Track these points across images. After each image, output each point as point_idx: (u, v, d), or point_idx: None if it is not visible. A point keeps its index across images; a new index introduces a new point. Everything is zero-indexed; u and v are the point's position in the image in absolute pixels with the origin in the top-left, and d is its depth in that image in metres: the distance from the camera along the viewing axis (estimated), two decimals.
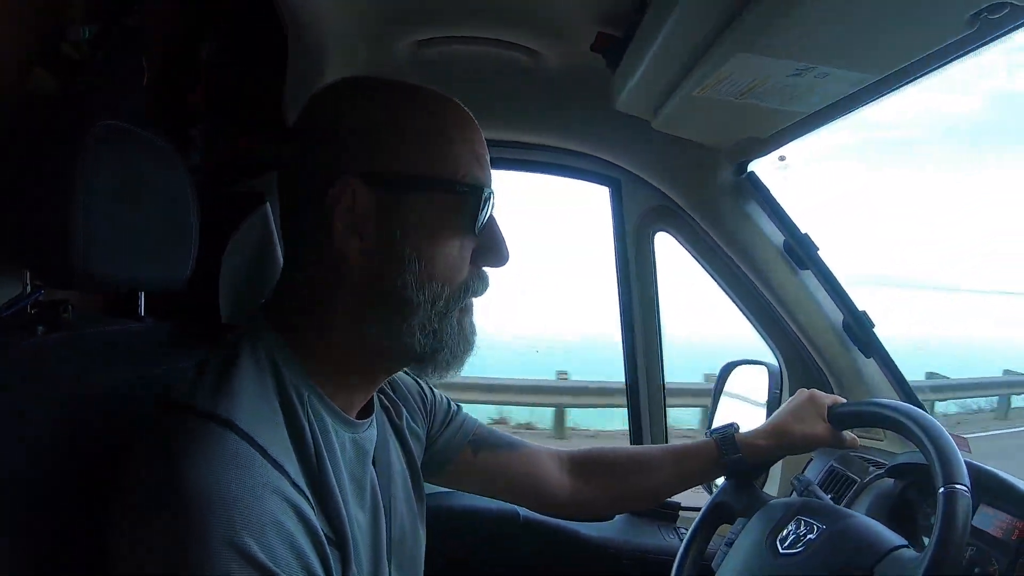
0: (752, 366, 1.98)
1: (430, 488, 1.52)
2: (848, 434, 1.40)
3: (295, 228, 0.94)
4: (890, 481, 1.48)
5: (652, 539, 1.96)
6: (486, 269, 0.96)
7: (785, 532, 1.23)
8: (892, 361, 1.87)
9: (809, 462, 1.78)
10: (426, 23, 1.51)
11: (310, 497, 0.79)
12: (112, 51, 1.27)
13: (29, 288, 1.09)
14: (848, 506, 1.52)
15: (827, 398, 1.41)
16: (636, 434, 2.15)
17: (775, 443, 1.39)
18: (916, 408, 1.26)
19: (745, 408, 1.95)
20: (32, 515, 0.85)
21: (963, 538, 1.02)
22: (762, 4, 1.01)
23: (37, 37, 1.18)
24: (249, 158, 1.66)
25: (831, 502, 1.41)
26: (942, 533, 1.02)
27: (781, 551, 1.20)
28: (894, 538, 1.14)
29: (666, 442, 2.14)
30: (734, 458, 1.38)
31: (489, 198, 0.92)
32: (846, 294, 1.88)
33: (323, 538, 0.78)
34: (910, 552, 1.10)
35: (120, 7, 1.31)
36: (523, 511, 1.88)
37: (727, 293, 2.01)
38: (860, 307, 1.88)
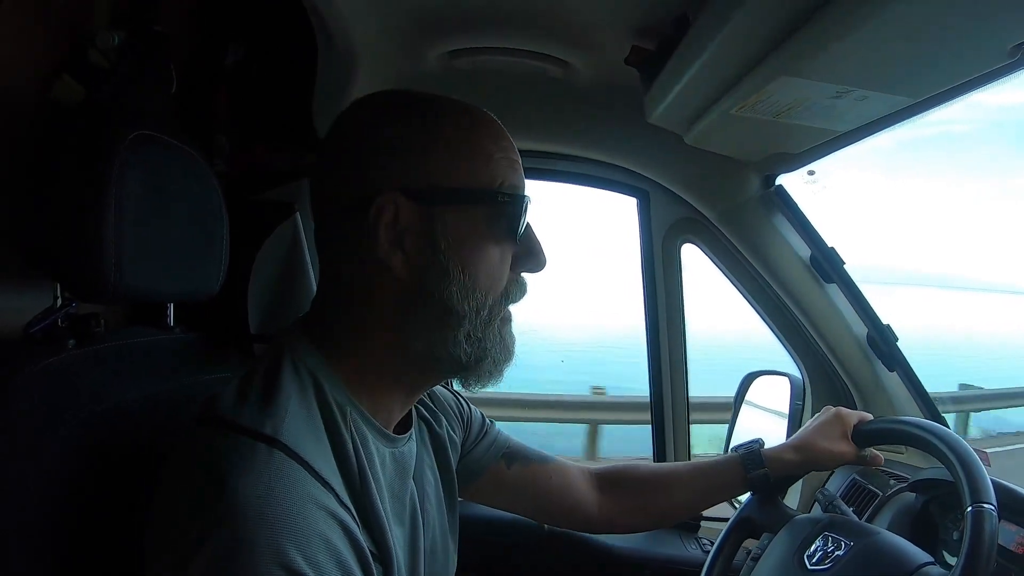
0: (773, 377, 1.98)
1: None
2: (871, 451, 1.41)
3: (334, 241, 0.94)
4: (912, 495, 1.50)
5: (675, 549, 1.97)
6: (524, 275, 0.98)
7: (813, 548, 1.24)
8: (915, 375, 1.89)
9: (831, 475, 1.81)
10: (458, 33, 1.52)
11: (354, 513, 0.80)
12: (140, 58, 1.26)
13: (60, 301, 1.09)
14: (870, 519, 1.54)
15: (853, 415, 1.42)
16: (659, 447, 2.16)
17: (800, 459, 1.40)
18: (941, 426, 1.27)
19: (766, 419, 1.95)
20: (65, 526, 0.87)
21: (991, 557, 1.03)
22: (811, 30, 1.02)
23: (64, 44, 1.18)
24: (277, 167, 1.65)
25: (856, 517, 1.42)
26: (970, 552, 1.03)
27: (809, 567, 1.21)
28: (921, 555, 1.15)
29: (689, 456, 2.15)
30: (759, 473, 1.39)
31: (527, 205, 0.93)
32: (871, 308, 1.89)
33: (368, 554, 0.79)
34: (937, 569, 1.11)
35: (147, 14, 1.31)
36: None
37: (752, 305, 2.03)
38: (884, 321, 1.89)
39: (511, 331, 0.97)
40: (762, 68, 1.16)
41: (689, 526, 2.04)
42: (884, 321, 1.89)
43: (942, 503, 1.45)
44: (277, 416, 0.78)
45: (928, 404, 1.89)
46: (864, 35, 0.99)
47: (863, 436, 1.39)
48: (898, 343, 1.89)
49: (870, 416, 1.44)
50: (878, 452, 1.42)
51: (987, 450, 1.40)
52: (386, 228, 0.86)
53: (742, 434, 1.93)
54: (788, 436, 1.50)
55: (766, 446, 1.43)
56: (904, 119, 1.39)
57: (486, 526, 1.88)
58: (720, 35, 1.11)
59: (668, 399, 2.14)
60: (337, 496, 0.78)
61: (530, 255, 0.96)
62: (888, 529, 1.40)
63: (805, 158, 1.72)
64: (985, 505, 1.07)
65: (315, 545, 0.71)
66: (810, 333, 1.95)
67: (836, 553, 1.20)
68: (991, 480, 1.19)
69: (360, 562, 0.77)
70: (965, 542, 1.06)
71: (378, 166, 0.89)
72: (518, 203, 0.91)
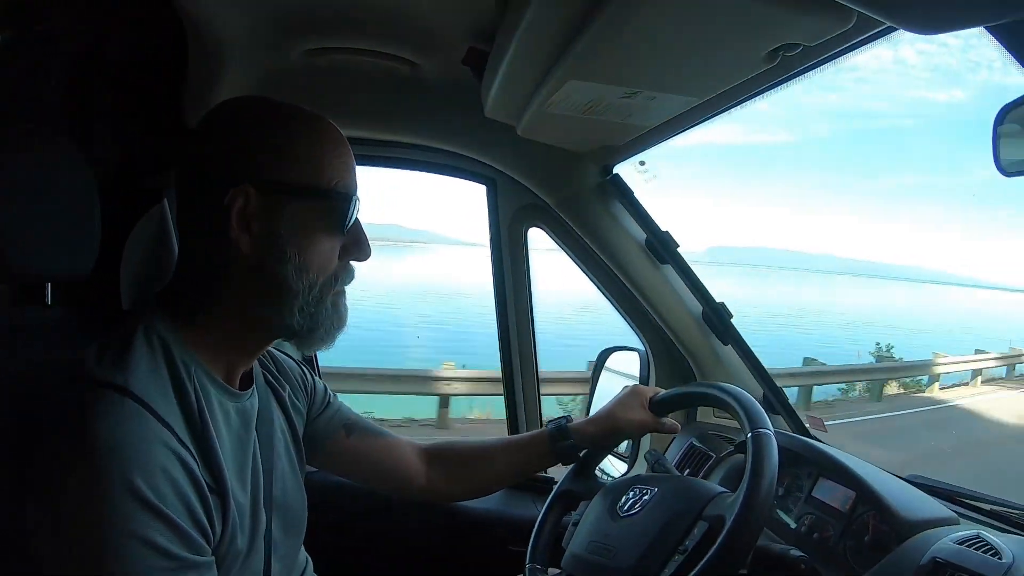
0: (626, 352, 2.14)
1: None
2: (669, 420, 1.57)
3: (193, 224, 1.09)
4: (741, 456, 1.64)
5: (527, 511, 2.08)
6: (352, 262, 1.15)
7: (623, 500, 1.37)
8: (748, 347, 2.06)
9: (672, 441, 1.98)
10: (315, 35, 1.62)
11: (194, 452, 0.95)
12: (19, 50, 1.36)
13: None
14: (705, 478, 1.71)
15: (649, 390, 1.58)
16: (512, 420, 2.27)
17: (602, 430, 1.55)
18: (719, 383, 1.45)
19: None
20: None
21: (774, 473, 1.18)
22: (586, 37, 1.15)
23: None
24: (150, 155, 1.75)
25: (675, 470, 1.56)
26: (754, 468, 1.18)
27: (621, 515, 1.34)
28: (717, 487, 1.31)
29: (541, 423, 2.26)
30: (564, 444, 1.53)
31: (355, 204, 1.11)
32: (704, 287, 2.05)
33: (204, 485, 0.95)
34: (732, 494, 1.25)
35: (32, 14, 1.41)
36: None
37: (596, 285, 2.15)
38: (718, 300, 2.05)
39: (344, 303, 1.15)
40: (555, 72, 1.29)
41: (542, 490, 2.13)
42: (718, 300, 2.05)
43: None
44: (128, 371, 0.93)
45: (762, 374, 2.06)
46: (630, 40, 1.13)
47: (658, 405, 1.55)
48: (732, 319, 2.06)
49: (662, 390, 1.59)
50: (675, 421, 1.58)
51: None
52: (237, 214, 1.02)
53: (600, 404, 2.07)
54: None
55: (574, 421, 1.57)
56: (717, 112, 1.55)
57: (345, 490, 1.94)
58: (514, 44, 1.24)
59: (518, 373, 2.26)
60: (178, 437, 0.93)
61: (356, 245, 1.14)
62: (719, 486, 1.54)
63: (631, 149, 1.86)
64: (762, 430, 1.23)
65: (157, 476, 0.87)
66: (649, 311, 2.09)
67: (644, 498, 1.33)
68: (811, 444, 1.46)
69: (196, 491, 0.93)
70: (749, 462, 1.20)
71: (236, 162, 1.04)
72: (348, 202, 1.09)
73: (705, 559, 1.13)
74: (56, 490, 0.87)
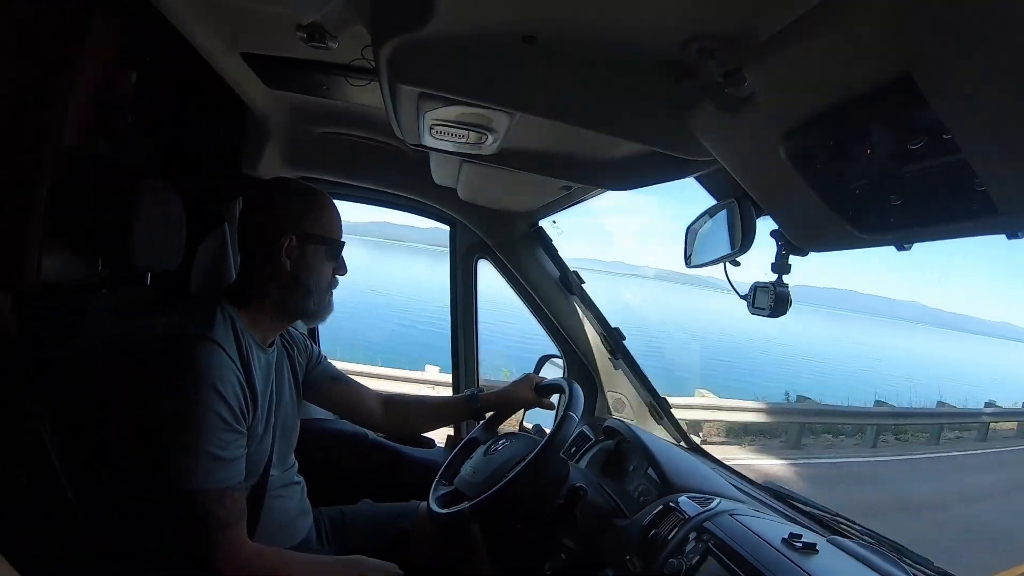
0: (556, 358, 2.66)
1: (320, 413, 2.37)
2: (546, 400, 2.23)
3: (255, 252, 1.72)
4: (610, 442, 2.25)
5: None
6: (338, 276, 1.83)
7: (493, 446, 2.00)
8: (634, 361, 2.68)
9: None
10: (329, 123, 2.35)
11: (242, 375, 1.57)
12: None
13: (101, 267, 1.80)
14: (579, 458, 2.28)
15: (537, 378, 2.23)
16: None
17: (501, 400, 2.24)
18: (570, 379, 2.07)
19: None
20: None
21: (564, 440, 1.81)
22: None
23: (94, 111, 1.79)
24: (216, 190, 2.45)
25: (542, 435, 2.06)
26: (552, 433, 1.79)
27: (489, 453, 1.98)
28: (542, 441, 1.83)
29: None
30: (475, 407, 2.24)
31: (342, 246, 1.80)
32: (602, 315, 2.68)
33: (246, 392, 1.58)
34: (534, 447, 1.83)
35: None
36: (371, 434, 2.68)
37: (527, 306, 2.83)
38: (614, 325, 2.67)
39: (332, 298, 1.81)
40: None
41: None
42: (613, 325, 2.66)
43: (627, 445, 2.16)
44: (213, 330, 1.56)
45: (648, 386, 2.67)
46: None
47: (539, 389, 2.19)
48: (625, 341, 2.66)
49: (547, 377, 2.21)
50: (552, 401, 2.19)
51: None
52: (285, 251, 1.68)
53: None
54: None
55: (484, 392, 2.25)
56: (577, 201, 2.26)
57: (331, 435, 2.62)
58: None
59: (462, 368, 2.94)
60: (236, 365, 1.55)
61: (340, 268, 1.82)
62: (589, 462, 2.16)
63: (542, 213, 2.56)
64: (570, 412, 1.85)
65: (227, 382, 1.50)
66: (562, 330, 2.71)
67: (506, 444, 1.98)
68: (649, 441, 1.99)
69: (242, 394, 1.55)
70: (554, 424, 1.82)
71: (283, 220, 1.70)
72: (339, 246, 1.78)
73: (506, 479, 1.77)
74: (173, 389, 1.47)
